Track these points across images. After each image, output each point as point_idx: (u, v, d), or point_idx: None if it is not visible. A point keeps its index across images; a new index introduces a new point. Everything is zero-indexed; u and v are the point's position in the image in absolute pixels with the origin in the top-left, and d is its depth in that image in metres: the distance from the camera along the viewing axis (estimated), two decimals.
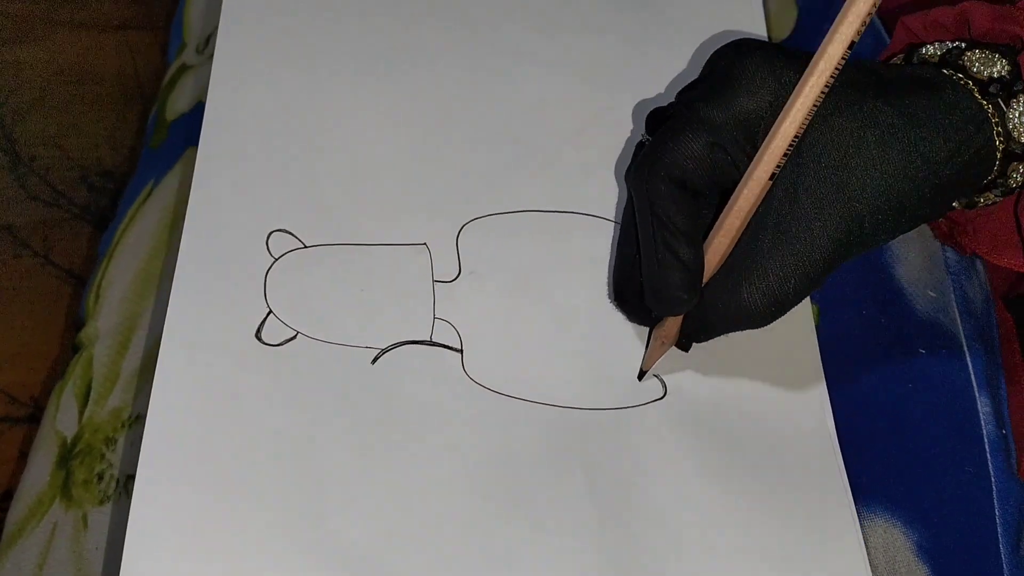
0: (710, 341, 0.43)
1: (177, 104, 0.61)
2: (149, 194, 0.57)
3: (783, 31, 0.56)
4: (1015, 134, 0.41)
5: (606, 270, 0.46)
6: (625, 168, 0.47)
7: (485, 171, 0.48)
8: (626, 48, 0.52)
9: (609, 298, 0.45)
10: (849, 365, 0.46)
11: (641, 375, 0.44)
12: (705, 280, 0.40)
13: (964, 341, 0.48)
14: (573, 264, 0.46)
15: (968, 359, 0.47)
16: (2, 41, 0.73)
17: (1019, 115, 0.40)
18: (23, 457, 0.55)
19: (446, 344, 0.44)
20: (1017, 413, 0.49)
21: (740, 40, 0.41)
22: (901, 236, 0.50)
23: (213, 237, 0.45)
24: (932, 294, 0.49)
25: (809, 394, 0.44)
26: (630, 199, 0.42)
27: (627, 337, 0.45)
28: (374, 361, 0.43)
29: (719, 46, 0.42)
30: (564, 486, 0.41)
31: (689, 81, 0.42)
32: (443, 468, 0.41)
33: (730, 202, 0.39)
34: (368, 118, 0.49)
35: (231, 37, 0.51)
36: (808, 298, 0.46)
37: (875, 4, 0.36)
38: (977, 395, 0.47)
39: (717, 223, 0.40)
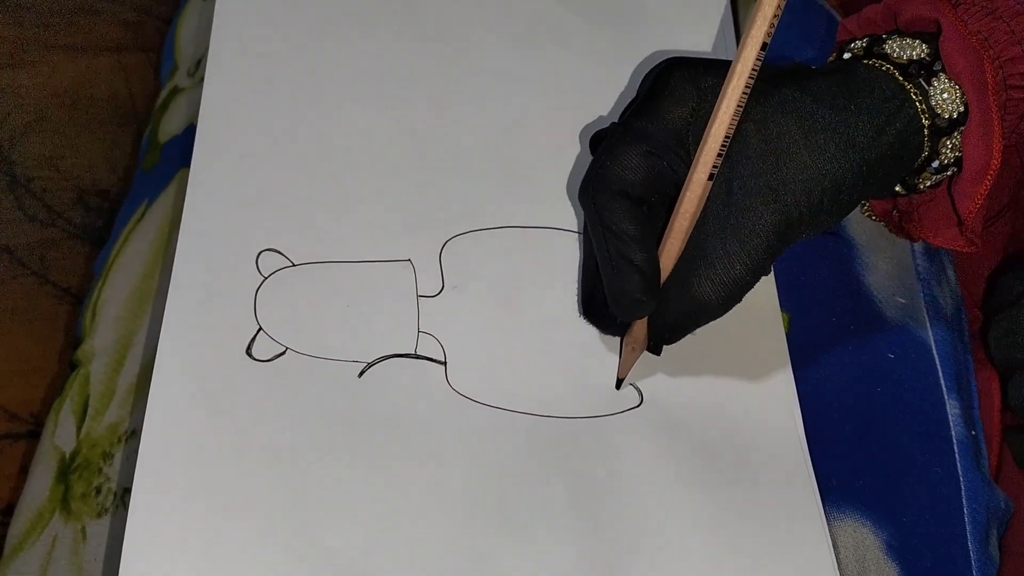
0: (682, 345, 0.44)
1: (169, 126, 0.62)
2: (143, 214, 0.58)
3: None
4: (939, 110, 0.42)
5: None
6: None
7: (466, 188, 0.49)
8: (604, 67, 0.54)
9: (579, 314, 0.47)
10: (820, 371, 0.47)
11: (619, 383, 0.45)
12: (663, 282, 0.42)
13: (934, 346, 0.49)
14: (552, 278, 0.47)
15: (937, 363, 0.49)
16: None
17: (940, 92, 0.42)
18: (24, 473, 0.56)
19: (430, 357, 0.45)
20: (987, 415, 0.50)
21: (667, 58, 0.43)
22: (871, 244, 0.51)
23: (205, 257, 0.46)
24: (902, 301, 0.50)
25: (780, 400, 0.46)
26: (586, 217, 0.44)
27: (604, 348, 0.46)
28: (361, 374, 0.44)
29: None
30: (545, 493, 0.42)
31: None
32: (428, 476, 0.42)
33: (676, 205, 0.41)
34: (353, 138, 0.50)
35: (221, 60, 0.52)
36: (778, 306, 0.48)
37: (780, 7, 0.38)
38: (946, 398, 0.48)
39: (667, 227, 0.41)
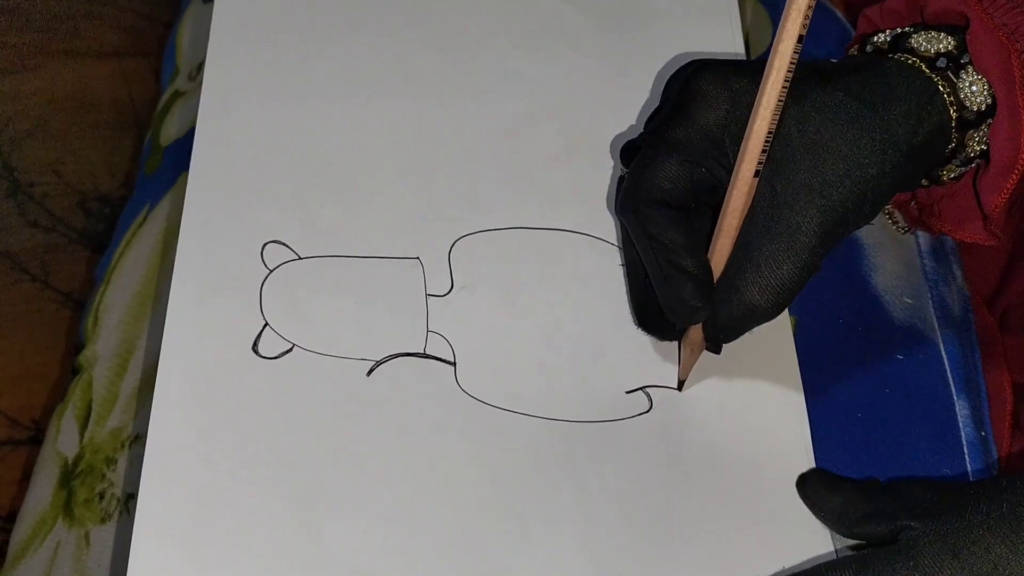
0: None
1: (171, 130, 0.62)
2: (145, 218, 0.58)
3: (761, 51, 0.58)
4: (967, 103, 0.42)
5: (593, 285, 0.47)
6: (610, 196, 0.49)
7: (474, 189, 0.49)
8: (613, 68, 0.53)
9: (635, 325, 0.46)
10: (827, 373, 0.47)
11: (680, 385, 0.45)
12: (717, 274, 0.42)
13: (942, 346, 0.49)
14: (562, 280, 0.47)
15: (946, 363, 0.49)
16: None
17: (968, 85, 0.42)
18: (26, 479, 0.56)
19: (439, 357, 0.45)
20: (998, 415, 0.50)
21: (690, 62, 0.43)
22: (877, 245, 0.51)
23: (208, 250, 0.46)
24: (909, 301, 0.50)
25: (788, 403, 0.45)
26: (625, 229, 0.43)
27: (615, 351, 0.46)
28: (369, 373, 0.44)
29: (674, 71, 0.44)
30: (553, 497, 0.42)
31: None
32: (436, 478, 0.42)
33: (724, 205, 0.41)
34: (360, 135, 0.50)
35: (223, 51, 0.52)
36: (786, 309, 0.47)
37: (812, 3, 0.38)
38: (955, 398, 0.48)
39: (716, 228, 0.41)
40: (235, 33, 0.52)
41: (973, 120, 0.42)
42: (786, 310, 0.47)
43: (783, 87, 0.39)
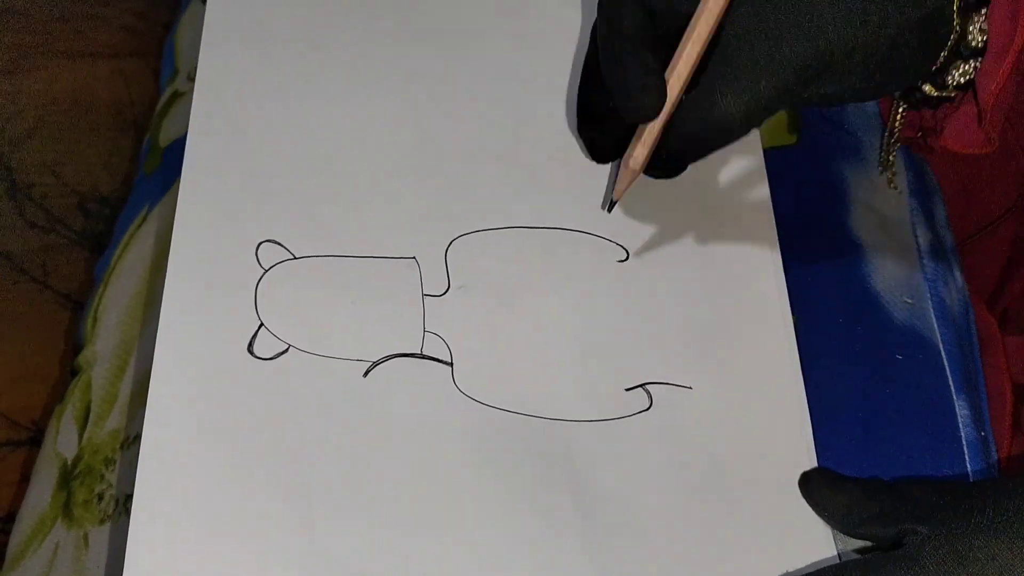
0: (692, 347, 0.44)
1: (170, 130, 0.62)
2: (144, 219, 0.58)
3: None
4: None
5: (591, 283, 0.47)
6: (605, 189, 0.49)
7: (471, 188, 0.49)
8: None
9: (574, 133, 0.45)
10: (827, 372, 0.47)
11: (611, 206, 0.44)
12: (677, 93, 0.41)
13: (942, 346, 0.49)
14: (559, 279, 0.47)
15: (946, 363, 0.49)
16: None
17: None
18: (25, 480, 0.56)
19: (436, 357, 0.45)
20: (998, 416, 0.50)
21: None
22: (877, 246, 0.51)
23: (202, 249, 0.46)
24: (909, 301, 0.50)
25: (789, 403, 0.45)
26: (594, 30, 0.43)
27: (613, 350, 0.46)
28: (366, 374, 0.44)
29: None
30: (551, 497, 0.42)
31: None
32: (433, 478, 0.42)
33: (699, 8, 0.40)
34: (355, 134, 0.50)
35: (216, 48, 0.51)
36: (788, 307, 0.47)
37: None
38: (955, 398, 0.48)
39: (687, 32, 0.40)
40: (229, 30, 0.52)
41: (974, 3, 0.42)
42: (789, 310, 0.47)
43: None
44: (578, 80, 0.46)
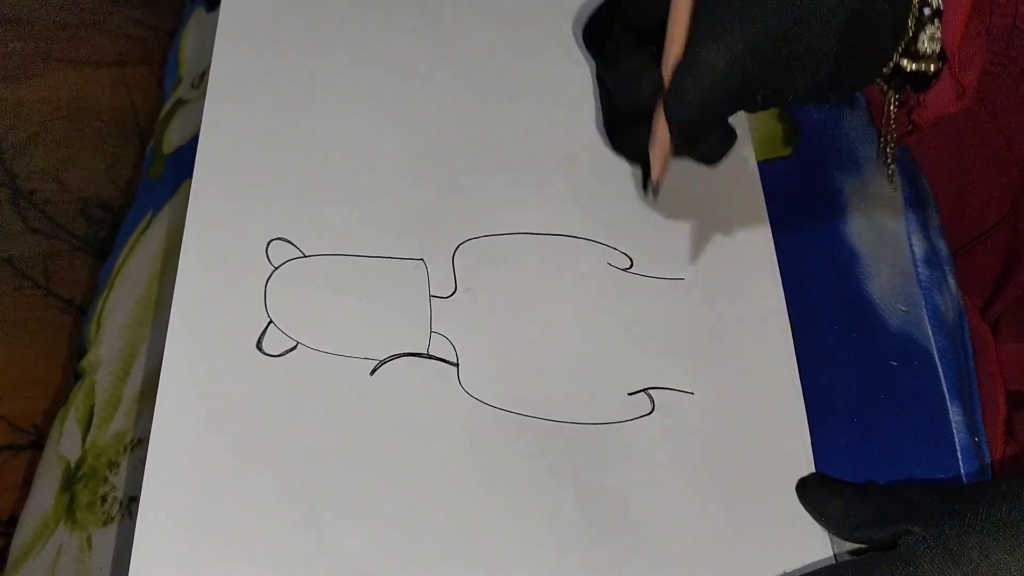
0: (693, 353, 0.45)
1: (174, 137, 0.63)
2: (148, 225, 0.59)
3: None
4: None
5: (595, 290, 0.48)
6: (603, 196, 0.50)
7: (479, 193, 0.50)
8: None
9: (610, 149, 0.49)
10: (823, 378, 0.48)
11: (655, 189, 0.45)
12: (673, 66, 0.42)
13: (936, 353, 0.50)
14: (564, 284, 0.48)
15: (940, 370, 0.49)
16: (2, 78, 0.75)
17: None
18: (27, 484, 0.56)
19: (443, 358, 0.45)
20: (991, 422, 0.50)
21: None
22: (872, 253, 0.52)
23: (213, 246, 0.46)
24: (904, 309, 0.51)
25: (787, 409, 0.46)
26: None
27: (617, 355, 0.46)
28: (373, 372, 0.44)
29: None
30: (554, 499, 0.42)
31: None
32: (438, 478, 0.42)
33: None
34: (366, 135, 0.50)
35: (229, 49, 0.52)
36: (786, 314, 0.48)
37: None
38: (949, 405, 0.48)
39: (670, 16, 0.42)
40: (241, 32, 0.52)
41: None
42: (787, 317, 0.48)
43: None
44: (578, 83, 0.48)
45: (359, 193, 0.49)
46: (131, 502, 0.49)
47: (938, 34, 0.44)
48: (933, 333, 0.50)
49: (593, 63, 0.46)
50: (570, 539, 0.42)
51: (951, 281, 0.53)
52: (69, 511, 0.50)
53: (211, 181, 0.48)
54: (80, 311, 0.68)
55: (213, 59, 0.51)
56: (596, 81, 0.49)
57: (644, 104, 0.43)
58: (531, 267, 0.48)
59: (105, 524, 0.49)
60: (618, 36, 0.43)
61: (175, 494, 0.41)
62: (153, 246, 0.57)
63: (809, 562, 0.42)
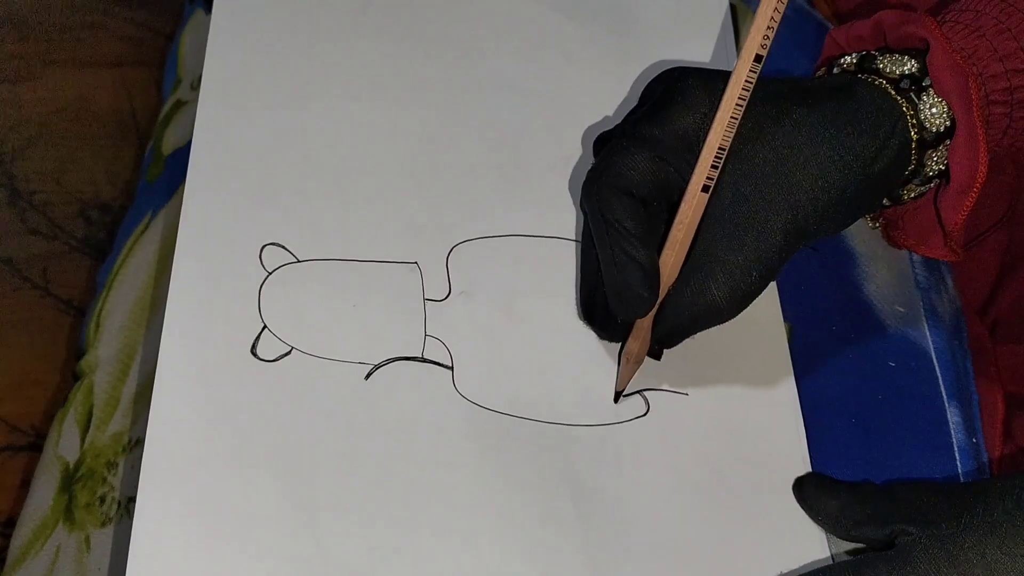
0: (687, 355, 0.45)
1: (173, 139, 0.63)
2: (147, 226, 0.59)
3: None
4: (927, 124, 0.43)
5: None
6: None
7: (472, 196, 0.50)
8: (608, 77, 0.54)
9: (579, 317, 0.47)
10: (821, 379, 0.48)
11: (616, 396, 0.45)
12: (665, 287, 0.42)
13: (933, 354, 0.50)
14: (559, 287, 0.48)
15: (937, 370, 0.49)
16: (1, 80, 0.75)
17: (929, 107, 0.43)
18: (25, 485, 0.56)
19: (437, 361, 0.45)
20: (989, 423, 0.50)
21: (675, 67, 0.44)
22: (870, 254, 0.52)
23: (207, 251, 0.46)
24: (901, 309, 0.51)
25: (783, 409, 0.46)
26: (587, 220, 0.44)
27: (610, 357, 0.46)
28: (368, 376, 0.45)
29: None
30: (550, 500, 0.43)
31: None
32: (434, 481, 0.42)
33: (677, 215, 0.42)
34: (359, 138, 0.51)
35: (221, 54, 0.52)
36: (780, 315, 0.48)
37: (774, 20, 0.40)
38: (947, 405, 0.48)
39: (669, 234, 0.42)
40: (234, 35, 0.52)
41: (932, 141, 0.44)
42: (781, 318, 0.48)
43: (738, 105, 0.41)
44: (571, 85, 0.48)
45: (352, 197, 0.49)
46: (130, 503, 0.49)
47: (924, 190, 0.46)
48: (931, 334, 0.50)
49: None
50: (566, 541, 0.42)
51: (949, 282, 0.53)
52: (68, 512, 0.50)
53: (204, 186, 0.48)
54: (79, 312, 0.69)
55: (205, 63, 0.51)
56: (581, 239, 0.48)
57: (631, 319, 0.43)
58: (525, 269, 0.48)
59: (104, 525, 0.49)
60: (623, 189, 0.42)
61: (172, 495, 0.41)
62: (152, 247, 0.57)
63: (806, 562, 0.42)
